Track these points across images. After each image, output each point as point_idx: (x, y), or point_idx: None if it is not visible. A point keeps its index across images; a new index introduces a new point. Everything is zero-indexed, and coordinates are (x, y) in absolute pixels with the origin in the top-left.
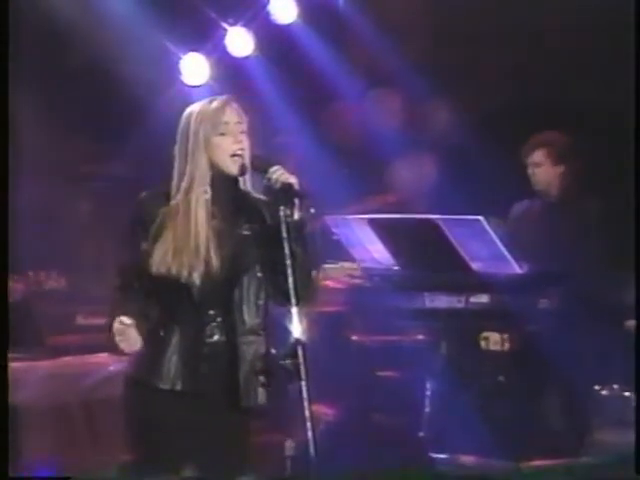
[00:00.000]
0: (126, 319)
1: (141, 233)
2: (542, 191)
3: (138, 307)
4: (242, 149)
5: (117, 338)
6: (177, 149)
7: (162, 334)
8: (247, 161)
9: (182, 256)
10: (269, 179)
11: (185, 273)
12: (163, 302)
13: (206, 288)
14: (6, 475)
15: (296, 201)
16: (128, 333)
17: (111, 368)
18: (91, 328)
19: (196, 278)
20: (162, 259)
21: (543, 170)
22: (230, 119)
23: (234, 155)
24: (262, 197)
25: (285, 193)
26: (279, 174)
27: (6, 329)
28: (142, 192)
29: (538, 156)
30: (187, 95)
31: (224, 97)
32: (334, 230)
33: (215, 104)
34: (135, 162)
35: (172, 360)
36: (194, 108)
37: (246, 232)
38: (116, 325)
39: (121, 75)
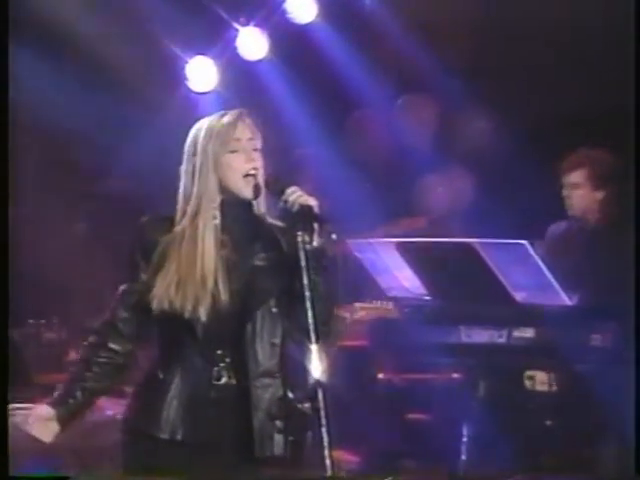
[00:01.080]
0: (47, 410)
1: (141, 263)
2: (577, 217)
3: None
4: (255, 168)
5: (29, 423)
6: (183, 169)
7: (161, 376)
8: (261, 182)
9: (186, 289)
10: (285, 202)
11: (189, 308)
12: (163, 341)
13: (213, 325)
14: (6, 475)
15: (315, 226)
16: (44, 425)
17: (108, 412)
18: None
19: (202, 314)
20: (164, 293)
21: (581, 193)
22: (242, 135)
23: (247, 175)
24: (278, 223)
25: (303, 217)
26: (296, 196)
27: (6, 326)
28: (142, 217)
29: (577, 177)
30: (193, 103)
31: (236, 111)
32: (358, 256)
33: (226, 119)
34: (134, 183)
35: (172, 405)
36: (202, 123)
37: (260, 262)
38: (36, 412)
39: (119, 81)
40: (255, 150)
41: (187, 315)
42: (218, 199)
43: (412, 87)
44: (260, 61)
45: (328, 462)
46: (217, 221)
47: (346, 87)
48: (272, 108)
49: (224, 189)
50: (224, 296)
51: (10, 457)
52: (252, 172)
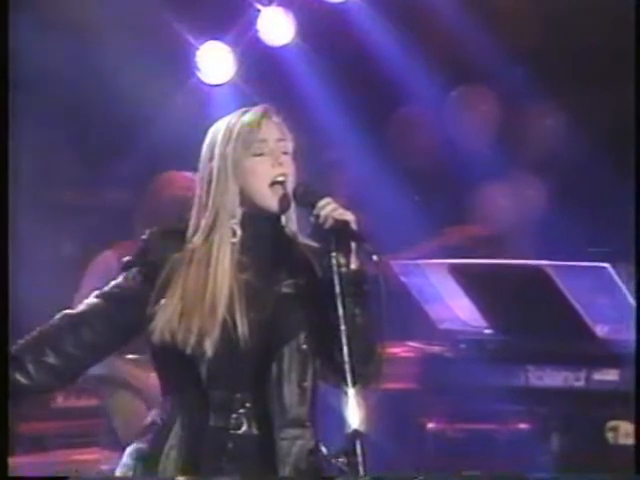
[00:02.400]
0: None
1: (142, 286)
2: None
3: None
4: (284, 175)
5: None
6: (198, 176)
7: (160, 422)
8: (291, 192)
9: (192, 320)
10: (316, 216)
11: (193, 342)
12: (165, 381)
13: (229, 364)
14: (6, 475)
15: (352, 245)
16: None
17: (103, 467)
18: (73, 412)
19: (209, 349)
20: (167, 322)
21: None
22: (269, 136)
23: (274, 183)
24: (311, 243)
25: (338, 234)
26: (330, 209)
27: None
28: (148, 229)
29: None
30: (206, 98)
31: (261, 107)
32: (404, 281)
33: (248, 117)
34: (138, 193)
35: (170, 456)
36: (221, 124)
37: (287, 290)
38: None
39: (120, 72)
40: (284, 154)
41: (190, 351)
42: (238, 212)
43: (468, 77)
44: (285, 47)
45: None
46: (236, 239)
47: (388, 78)
48: (299, 103)
49: (246, 200)
50: (242, 329)
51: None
52: (280, 179)
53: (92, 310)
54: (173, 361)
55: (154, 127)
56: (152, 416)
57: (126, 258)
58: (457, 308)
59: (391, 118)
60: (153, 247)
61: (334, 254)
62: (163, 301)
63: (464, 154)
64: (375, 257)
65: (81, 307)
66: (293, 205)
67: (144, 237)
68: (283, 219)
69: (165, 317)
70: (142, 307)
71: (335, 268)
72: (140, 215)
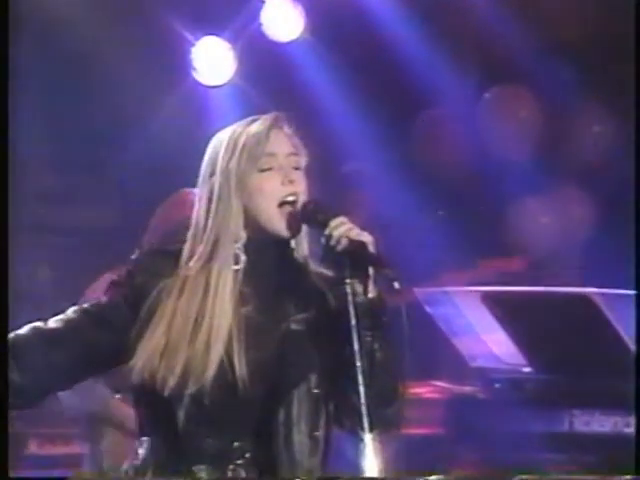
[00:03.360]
0: None
1: (125, 312)
2: None
3: None
4: (295, 194)
5: None
6: (197, 194)
7: (131, 470)
8: (300, 210)
9: (177, 357)
10: (329, 237)
11: (172, 383)
12: (142, 424)
13: (225, 410)
14: (6, 475)
15: (370, 270)
16: None
17: None
18: (47, 460)
19: (193, 391)
20: (147, 359)
21: None
22: (279, 149)
23: (283, 204)
24: (325, 271)
25: (353, 258)
26: (344, 229)
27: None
28: (137, 249)
29: None
30: (202, 101)
31: (270, 116)
32: (430, 311)
33: (256, 126)
34: (125, 212)
35: None
36: (224, 134)
37: (297, 326)
38: None
39: (105, 73)
40: (296, 169)
41: (169, 394)
42: (242, 236)
43: (504, 76)
44: (293, 43)
45: None
46: (239, 266)
47: (412, 79)
48: (309, 109)
49: (251, 222)
50: (241, 370)
51: (10, 458)
52: (290, 199)
53: (66, 328)
54: (151, 404)
55: (143, 137)
56: (126, 463)
57: (113, 278)
58: (491, 342)
59: (415, 124)
60: (142, 269)
61: (349, 281)
62: (147, 333)
63: (499, 165)
64: (397, 284)
65: (55, 322)
66: (304, 228)
67: (133, 257)
68: (293, 244)
69: (146, 353)
70: (122, 335)
71: (350, 297)
72: (150, 236)
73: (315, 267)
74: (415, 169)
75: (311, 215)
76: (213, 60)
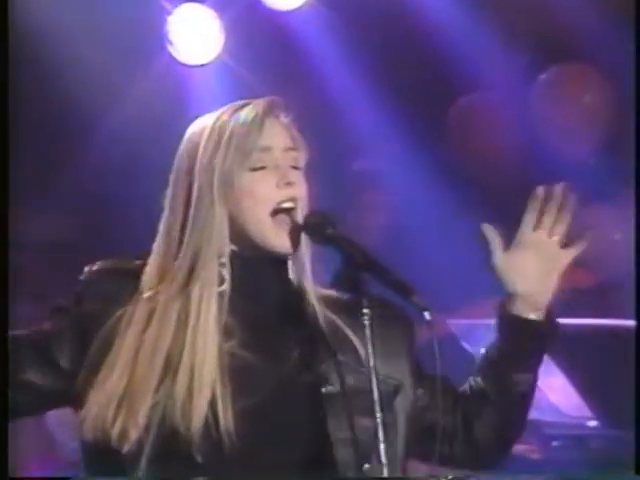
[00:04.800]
0: None
1: (70, 345)
2: None
3: None
4: (293, 199)
5: None
6: (168, 197)
7: None
8: (302, 222)
9: (139, 407)
10: (345, 254)
11: (133, 436)
12: None
13: (207, 471)
14: (6, 475)
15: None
16: None
17: None
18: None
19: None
20: (100, 410)
21: None
22: (274, 142)
23: (279, 211)
24: (332, 293)
25: (371, 281)
26: (358, 246)
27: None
28: (89, 265)
29: None
30: (180, 83)
31: (264, 100)
32: (468, 347)
33: (247, 113)
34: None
35: None
36: (206, 121)
37: (295, 367)
38: None
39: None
40: (294, 168)
41: (130, 449)
42: (226, 251)
43: (564, 53)
44: (294, 12)
45: None
46: (224, 287)
47: (445, 56)
48: (314, 93)
49: (237, 233)
50: (227, 423)
51: (10, 458)
52: (287, 205)
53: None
54: (103, 463)
55: (107, 131)
56: None
57: (57, 302)
58: (547, 389)
59: (448, 114)
60: (93, 293)
61: (367, 310)
62: (101, 374)
63: (556, 163)
64: (427, 314)
65: None
66: (305, 240)
67: (81, 277)
68: (290, 262)
69: (100, 398)
70: (67, 376)
71: (369, 331)
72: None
73: (317, 289)
74: (447, 169)
75: (317, 228)
76: (194, 33)
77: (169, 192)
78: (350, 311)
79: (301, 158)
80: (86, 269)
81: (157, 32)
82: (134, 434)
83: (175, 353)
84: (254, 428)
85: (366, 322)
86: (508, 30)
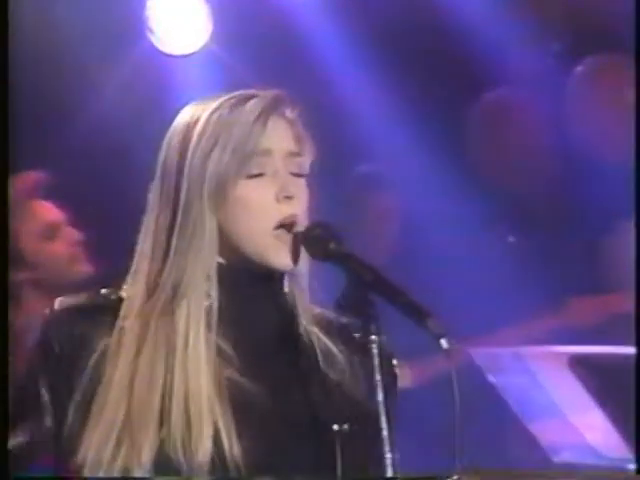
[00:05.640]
0: None
1: (48, 405)
2: None
3: None
4: (293, 217)
5: None
6: (155, 194)
7: None
8: (301, 235)
9: (144, 438)
10: (351, 272)
11: (138, 474)
12: None
13: None
14: (7, 475)
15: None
16: None
17: None
18: None
19: None
20: (99, 449)
21: None
22: (276, 144)
23: (280, 226)
24: (331, 315)
25: (380, 300)
26: (365, 263)
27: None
28: (54, 303)
29: None
30: (161, 76)
31: (271, 94)
32: (492, 380)
33: (250, 108)
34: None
35: None
36: (201, 111)
37: (297, 395)
38: None
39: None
40: (297, 176)
41: None
42: (213, 268)
43: (603, 43)
44: None
45: None
46: (212, 305)
47: (466, 45)
48: (316, 87)
49: (229, 246)
50: (233, 452)
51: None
52: (289, 220)
53: None
54: None
55: (83, 127)
56: None
57: (26, 347)
58: (583, 427)
59: (470, 111)
60: (63, 333)
61: (375, 337)
62: (92, 415)
63: (594, 168)
64: (444, 342)
65: None
66: (303, 254)
67: (46, 316)
68: (286, 279)
69: (96, 439)
70: (48, 429)
71: (377, 360)
72: None
73: (319, 310)
74: (469, 176)
75: (319, 243)
76: (178, 18)
77: (156, 187)
78: (347, 336)
79: (305, 163)
80: (47, 311)
81: (135, 18)
82: (138, 474)
83: (168, 380)
84: (262, 460)
85: (374, 351)
86: (537, 15)
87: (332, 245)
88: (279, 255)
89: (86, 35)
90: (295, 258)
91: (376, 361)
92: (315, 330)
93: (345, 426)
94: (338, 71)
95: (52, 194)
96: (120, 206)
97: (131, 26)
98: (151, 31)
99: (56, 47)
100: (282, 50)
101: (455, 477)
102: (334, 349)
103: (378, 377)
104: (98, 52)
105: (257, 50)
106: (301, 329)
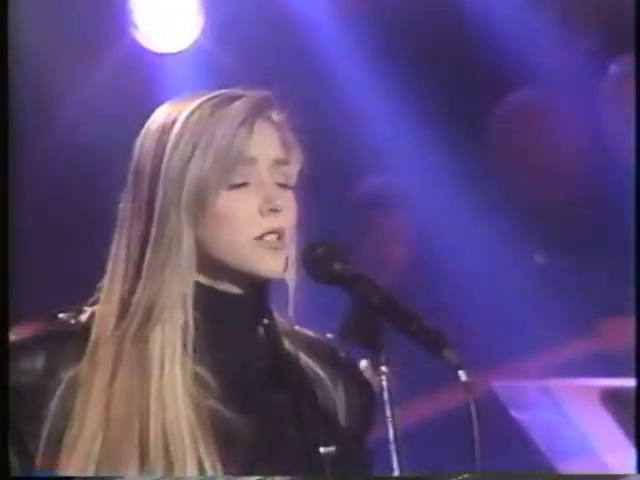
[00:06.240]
0: None
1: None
2: None
3: None
4: (278, 232)
5: None
6: (127, 204)
7: None
8: (291, 255)
9: (124, 464)
10: (357, 295)
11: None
12: None
13: None
14: (7, 475)
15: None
16: None
17: None
18: None
19: None
20: (84, 454)
21: None
22: (261, 152)
23: (262, 237)
24: (319, 338)
25: (390, 326)
26: (372, 286)
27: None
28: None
29: None
30: (146, 75)
31: (257, 95)
32: (516, 415)
33: (235, 111)
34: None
35: None
36: (177, 112)
37: (284, 424)
38: None
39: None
40: (283, 187)
41: None
42: (191, 282)
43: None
44: None
45: None
46: (189, 328)
47: (488, 42)
48: (315, 89)
49: (209, 262)
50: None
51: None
52: (272, 235)
53: None
54: None
55: (59, 130)
56: None
57: None
58: (617, 467)
59: (492, 115)
60: (26, 370)
61: (384, 368)
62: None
63: (632, 177)
64: (463, 374)
65: None
66: (294, 276)
67: (14, 343)
68: (270, 300)
69: (82, 448)
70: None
71: (387, 395)
72: None
73: (311, 334)
74: (489, 186)
75: (322, 264)
76: (165, 12)
77: (127, 196)
78: (333, 358)
79: (292, 173)
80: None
81: (116, 12)
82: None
83: (144, 409)
84: None
85: (384, 383)
86: (566, 9)
87: (337, 266)
88: (266, 261)
89: (63, 32)
90: (284, 264)
91: (386, 395)
92: (302, 355)
93: (332, 449)
94: (340, 69)
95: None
96: (92, 217)
97: (112, 21)
98: (135, 27)
99: (30, 46)
100: (280, 46)
101: (465, 475)
102: (321, 373)
103: (389, 413)
104: (73, 51)
105: (251, 49)
106: (286, 354)
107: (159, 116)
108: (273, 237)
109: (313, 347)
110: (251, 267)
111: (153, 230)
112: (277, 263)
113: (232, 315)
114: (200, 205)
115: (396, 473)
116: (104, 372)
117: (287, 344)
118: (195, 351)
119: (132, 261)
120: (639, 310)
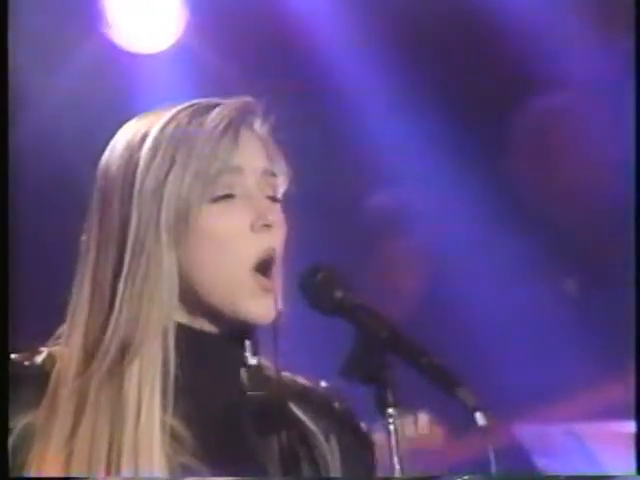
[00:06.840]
0: None
1: None
2: None
3: None
4: (272, 250)
5: None
6: (92, 236)
7: None
8: (278, 285)
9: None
10: (361, 327)
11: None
12: None
13: None
14: (6, 475)
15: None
16: None
17: None
18: None
19: None
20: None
21: None
22: (247, 161)
23: (258, 265)
24: (311, 384)
25: (398, 362)
26: (378, 319)
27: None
28: None
29: None
30: (124, 77)
31: (238, 102)
32: (541, 463)
33: (214, 119)
34: None
35: None
36: (147, 125)
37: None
38: None
39: None
40: (272, 200)
41: None
42: (173, 315)
43: None
44: None
45: None
46: (169, 369)
47: (507, 38)
48: (311, 94)
49: (192, 291)
50: None
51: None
52: (268, 255)
53: None
54: None
55: (28, 137)
56: None
57: None
58: None
59: (514, 123)
60: None
61: (391, 410)
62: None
63: None
64: (480, 416)
65: None
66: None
67: None
68: (257, 340)
69: (85, 446)
70: None
71: (394, 438)
72: None
73: (290, 382)
74: (512, 204)
75: (321, 292)
76: (144, 10)
77: (91, 227)
78: (328, 408)
79: (280, 186)
80: None
81: (90, 10)
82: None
83: (114, 464)
84: None
85: (390, 427)
86: (599, 7)
87: (339, 294)
88: (257, 304)
89: (27, 31)
90: (276, 307)
91: (393, 440)
92: (291, 405)
93: None
94: (342, 73)
95: None
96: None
97: (80, 20)
98: (109, 25)
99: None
100: (272, 47)
101: (465, 477)
102: (312, 427)
103: (396, 459)
104: (38, 52)
105: (240, 48)
106: (272, 404)
107: (125, 134)
108: (265, 264)
109: (304, 397)
110: (238, 309)
111: (127, 257)
112: (269, 307)
113: (212, 357)
114: (182, 223)
115: None
116: (65, 421)
117: (274, 393)
118: (173, 394)
119: (100, 294)
120: None
